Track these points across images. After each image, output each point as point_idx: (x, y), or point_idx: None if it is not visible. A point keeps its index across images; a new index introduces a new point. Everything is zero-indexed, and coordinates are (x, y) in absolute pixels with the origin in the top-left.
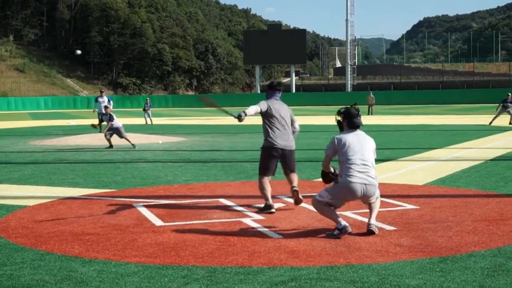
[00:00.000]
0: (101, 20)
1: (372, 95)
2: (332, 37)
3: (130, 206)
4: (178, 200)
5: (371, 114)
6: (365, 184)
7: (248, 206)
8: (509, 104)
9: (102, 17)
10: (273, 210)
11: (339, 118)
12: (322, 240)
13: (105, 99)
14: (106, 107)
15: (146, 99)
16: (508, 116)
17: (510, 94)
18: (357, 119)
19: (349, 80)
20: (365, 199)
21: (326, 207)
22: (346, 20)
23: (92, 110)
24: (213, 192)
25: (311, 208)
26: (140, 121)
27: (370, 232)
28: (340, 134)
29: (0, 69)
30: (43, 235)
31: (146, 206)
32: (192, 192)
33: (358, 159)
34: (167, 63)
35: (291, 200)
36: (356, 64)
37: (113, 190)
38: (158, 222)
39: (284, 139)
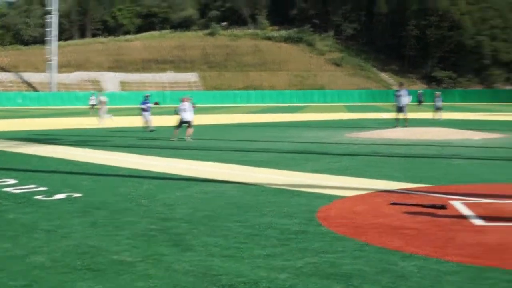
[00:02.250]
0: (419, 13)
1: None
2: None
3: (447, 202)
4: (499, 199)
5: None
6: None
7: None
8: None
9: (420, 10)
10: None
11: None
12: None
13: (405, 92)
14: None
15: (418, 92)
16: None
17: None
18: None
19: None
20: None
21: None
22: None
23: (392, 104)
24: None
25: None
26: (454, 115)
27: None
28: None
29: (319, 63)
30: (362, 226)
31: (464, 204)
32: (502, 192)
33: None
34: (486, 56)
35: None
36: None
37: (429, 185)
38: (478, 221)
39: None
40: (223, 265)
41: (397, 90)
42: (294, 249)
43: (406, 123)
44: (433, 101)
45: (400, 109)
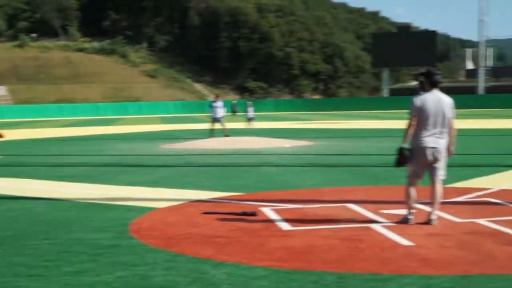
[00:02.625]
0: (230, 25)
1: None
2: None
3: (258, 209)
4: (305, 204)
5: None
6: (434, 148)
7: (377, 212)
8: None
9: (231, 23)
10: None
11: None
12: (455, 249)
13: (220, 103)
14: None
15: (246, 102)
16: None
17: None
18: (437, 77)
19: (482, 83)
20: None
21: (408, 192)
22: (480, 20)
23: (207, 114)
24: (341, 197)
25: (443, 214)
26: (266, 125)
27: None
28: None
29: (133, 75)
30: (174, 237)
31: (274, 210)
32: (320, 196)
33: (432, 121)
34: (294, 67)
35: (422, 207)
36: (490, 66)
37: (240, 193)
38: (286, 226)
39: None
40: (30, 285)
41: (213, 101)
42: (105, 264)
43: (226, 132)
44: (245, 111)
45: (216, 120)
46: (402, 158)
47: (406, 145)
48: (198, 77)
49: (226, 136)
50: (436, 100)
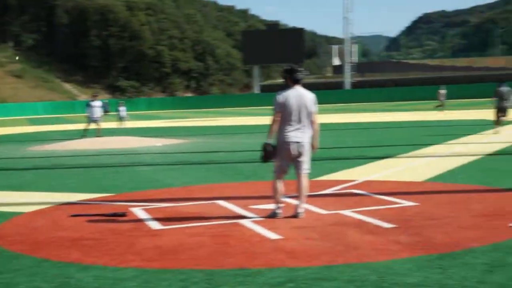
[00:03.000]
0: (100, 24)
1: (443, 90)
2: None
3: (128, 209)
4: (176, 202)
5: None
6: (297, 143)
7: (246, 207)
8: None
9: (100, 21)
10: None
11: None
12: (321, 240)
13: (99, 103)
14: None
15: (119, 102)
16: None
17: None
18: (298, 74)
19: (348, 78)
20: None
21: (275, 186)
22: (344, 17)
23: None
24: (211, 194)
25: (310, 207)
26: (138, 124)
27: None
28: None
29: None
30: (40, 242)
31: (144, 210)
32: (191, 194)
33: (295, 117)
34: (166, 65)
35: (290, 200)
36: (355, 61)
37: (111, 194)
38: (156, 225)
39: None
40: None
41: (90, 101)
42: None
43: (99, 133)
44: (117, 111)
45: (93, 120)
46: (267, 153)
47: (270, 141)
48: (68, 77)
49: (98, 136)
50: (298, 96)
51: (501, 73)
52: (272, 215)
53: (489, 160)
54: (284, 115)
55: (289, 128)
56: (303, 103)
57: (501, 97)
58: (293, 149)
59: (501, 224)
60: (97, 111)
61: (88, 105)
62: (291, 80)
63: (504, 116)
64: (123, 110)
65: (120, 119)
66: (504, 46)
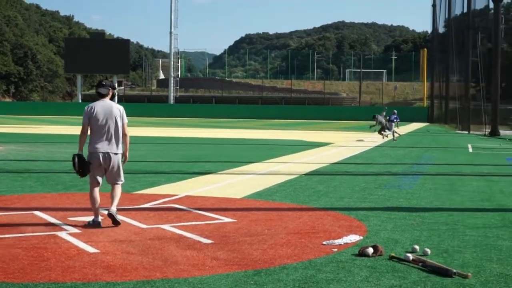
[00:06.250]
0: None
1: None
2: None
3: None
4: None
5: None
6: (108, 153)
7: (64, 219)
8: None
9: None
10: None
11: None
12: (138, 254)
13: None
14: None
15: None
16: None
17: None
18: (102, 88)
19: (172, 92)
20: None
21: (92, 197)
22: (170, 32)
23: None
24: (27, 204)
25: (129, 221)
26: None
27: (113, 221)
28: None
29: None
30: None
31: None
32: (5, 204)
33: (102, 128)
34: None
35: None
36: (179, 76)
37: None
38: None
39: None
40: None
41: None
42: None
43: None
44: None
45: None
46: (79, 165)
47: (81, 152)
48: None
49: None
50: (106, 108)
51: (318, 96)
52: (93, 223)
53: (305, 179)
54: (92, 127)
55: (97, 139)
56: (112, 115)
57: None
58: (102, 160)
59: (314, 242)
60: None
61: None
62: (98, 93)
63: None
64: None
65: None
66: (320, 71)
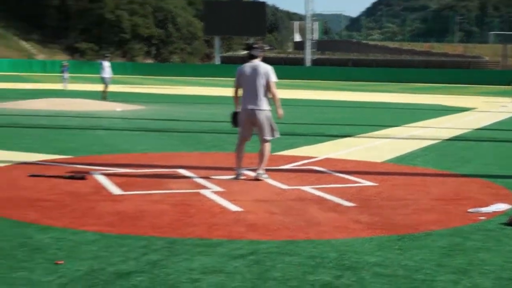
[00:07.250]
0: None
1: None
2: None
3: (87, 173)
4: (136, 169)
5: None
6: (253, 109)
7: (207, 177)
8: None
9: None
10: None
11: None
12: (281, 214)
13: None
14: None
15: (62, 63)
16: None
17: None
18: (254, 50)
19: (309, 55)
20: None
21: (237, 149)
22: None
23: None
24: (171, 162)
25: (271, 181)
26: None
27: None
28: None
29: None
30: None
31: (104, 174)
32: (150, 161)
33: (249, 87)
34: (126, 30)
35: (251, 173)
36: (316, 39)
37: (69, 156)
38: (116, 190)
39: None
40: None
41: (102, 61)
42: None
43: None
44: (61, 72)
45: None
46: (234, 121)
47: (236, 110)
48: (26, 35)
49: (104, 98)
50: (254, 68)
51: (459, 60)
52: (236, 176)
53: (448, 144)
54: (242, 86)
55: (246, 97)
56: (260, 74)
57: None
58: (250, 116)
59: (459, 209)
60: (108, 72)
61: (101, 67)
62: (248, 55)
63: None
64: (66, 72)
65: (64, 80)
66: (462, 33)
